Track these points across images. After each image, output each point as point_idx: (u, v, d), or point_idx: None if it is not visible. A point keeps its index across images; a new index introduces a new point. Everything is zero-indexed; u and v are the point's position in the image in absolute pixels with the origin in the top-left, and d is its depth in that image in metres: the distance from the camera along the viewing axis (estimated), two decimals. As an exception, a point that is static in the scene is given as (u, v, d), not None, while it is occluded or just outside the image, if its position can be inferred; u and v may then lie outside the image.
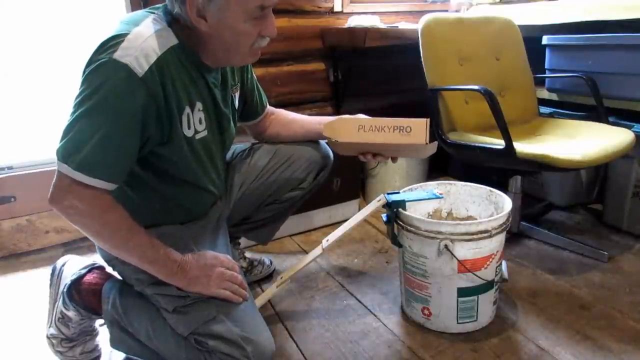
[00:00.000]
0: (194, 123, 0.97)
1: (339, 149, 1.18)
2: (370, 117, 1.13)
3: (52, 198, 0.85)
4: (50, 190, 0.85)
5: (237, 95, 1.16)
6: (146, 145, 0.90)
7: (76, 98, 0.83)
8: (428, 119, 1.09)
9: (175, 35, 0.91)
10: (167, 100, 0.89)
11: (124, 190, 0.92)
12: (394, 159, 1.21)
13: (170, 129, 0.92)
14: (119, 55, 0.82)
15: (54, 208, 0.86)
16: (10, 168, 1.71)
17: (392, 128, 1.09)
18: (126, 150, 0.86)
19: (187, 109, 0.95)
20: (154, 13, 0.92)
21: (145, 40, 0.85)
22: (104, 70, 0.81)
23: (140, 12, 0.93)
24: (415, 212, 1.31)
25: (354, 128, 1.10)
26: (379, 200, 1.22)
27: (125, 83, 0.82)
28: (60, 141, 0.83)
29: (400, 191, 1.28)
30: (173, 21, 0.92)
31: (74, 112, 0.82)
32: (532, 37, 1.88)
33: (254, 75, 1.24)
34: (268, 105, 1.31)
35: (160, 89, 0.87)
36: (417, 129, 1.08)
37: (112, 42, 0.83)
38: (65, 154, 0.82)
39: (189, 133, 0.96)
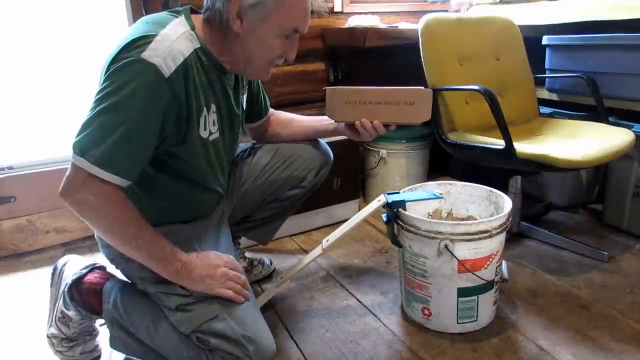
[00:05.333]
0: (209, 124, 0.99)
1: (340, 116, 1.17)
2: (363, 88, 1.13)
3: (64, 191, 0.84)
4: (63, 183, 0.84)
5: (244, 97, 1.18)
6: (161, 144, 0.91)
7: (98, 93, 0.83)
8: (430, 90, 1.10)
9: (198, 38, 0.94)
10: (188, 102, 0.91)
11: (131, 187, 0.93)
12: (387, 127, 1.17)
13: (187, 130, 0.93)
14: (147, 55, 0.83)
15: (66, 201, 0.85)
16: (10, 168, 1.71)
17: (393, 103, 1.10)
18: (145, 149, 0.87)
19: (205, 111, 0.97)
20: (176, 16, 0.94)
21: (173, 42, 0.87)
22: (132, 68, 0.82)
23: (163, 15, 0.95)
24: (415, 212, 1.31)
25: (345, 102, 1.11)
26: (379, 201, 1.22)
27: (152, 82, 0.83)
28: (78, 135, 0.83)
29: (400, 191, 1.28)
30: (198, 24, 0.95)
31: (95, 107, 0.82)
32: (532, 37, 1.88)
33: None
34: (270, 108, 1.32)
35: (183, 91, 0.89)
36: (421, 101, 1.09)
37: (140, 42, 0.84)
38: (84, 148, 0.81)
39: (204, 134, 0.99)
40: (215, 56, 0.97)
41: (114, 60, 0.84)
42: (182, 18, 0.94)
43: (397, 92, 1.11)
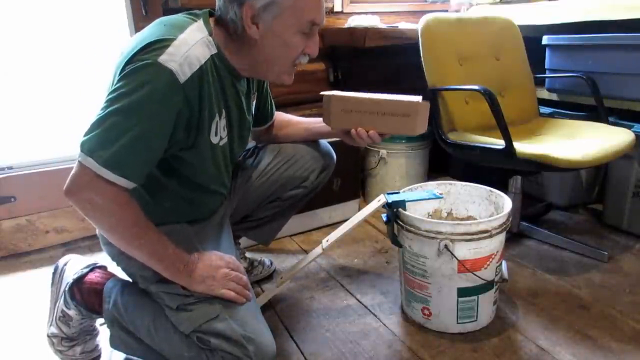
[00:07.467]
0: (220, 130, 1.00)
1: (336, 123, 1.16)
2: (360, 97, 1.11)
3: (69, 189, 0.84)
4: (68, 182, 0.83)
5: (254, 102, 1.18)
6: (170, 148, 0.91)
7: (111, 93, 0.82)
8: (427, 102, 1.09)
9: (216, 43, 0.93)
10: (200, 108, 0.91)
11: (136, 187, 0.93)
12: (382, 136, 1.15)
13: (197, 135, 0.94)
14: (164, 59, 0.82)
15: (70, 200, 0.85)
16: (10, 168, 1.71)
17: (389, 114, 1.08)
18: (154, 153, 0.87)
19: (217, 117, 0.97)
20: (195, 20, 0.94)
21: (191, 48, 0.87)
22: (148, 71, 0.82)
23: (182, 17, 0.94)
24: (415, 212, 1.31)
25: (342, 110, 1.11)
26: (379, 201, 1.22)
27: (166, 87, 0.83)
28: (87, 134, 0.82)
29: (400, 191, 1.28)
30: (214, 29, 0.95)
31: (106, 107, 0.82)
32: (532, 37, 1.88)
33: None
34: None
35: (197, 98, 0.89)
36: (418, 114, 1.07)
37: (158, 45, 0.84)
38: (93, 148, 0.81)
39: (215, 140, 0.99)
40: (231, 62, 0.97)
41: (129, 61, 0.83)
42: (200, 22, 0.94)
43: (394, 104, 1.09)
